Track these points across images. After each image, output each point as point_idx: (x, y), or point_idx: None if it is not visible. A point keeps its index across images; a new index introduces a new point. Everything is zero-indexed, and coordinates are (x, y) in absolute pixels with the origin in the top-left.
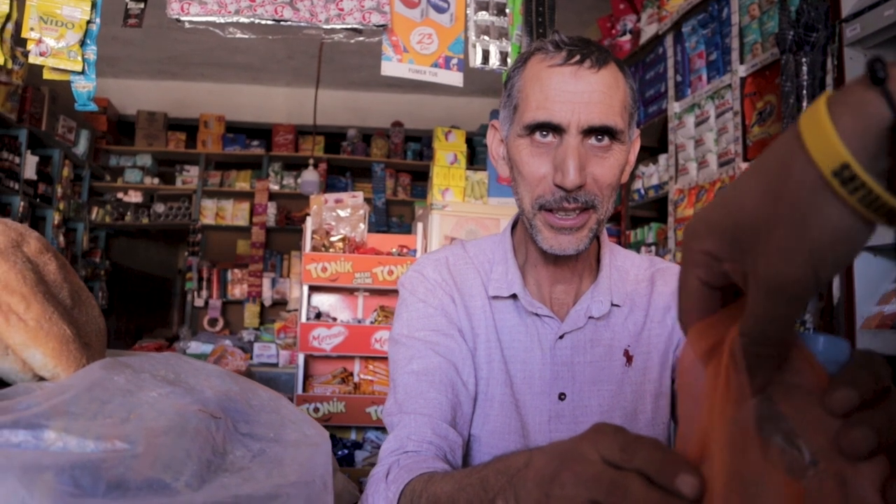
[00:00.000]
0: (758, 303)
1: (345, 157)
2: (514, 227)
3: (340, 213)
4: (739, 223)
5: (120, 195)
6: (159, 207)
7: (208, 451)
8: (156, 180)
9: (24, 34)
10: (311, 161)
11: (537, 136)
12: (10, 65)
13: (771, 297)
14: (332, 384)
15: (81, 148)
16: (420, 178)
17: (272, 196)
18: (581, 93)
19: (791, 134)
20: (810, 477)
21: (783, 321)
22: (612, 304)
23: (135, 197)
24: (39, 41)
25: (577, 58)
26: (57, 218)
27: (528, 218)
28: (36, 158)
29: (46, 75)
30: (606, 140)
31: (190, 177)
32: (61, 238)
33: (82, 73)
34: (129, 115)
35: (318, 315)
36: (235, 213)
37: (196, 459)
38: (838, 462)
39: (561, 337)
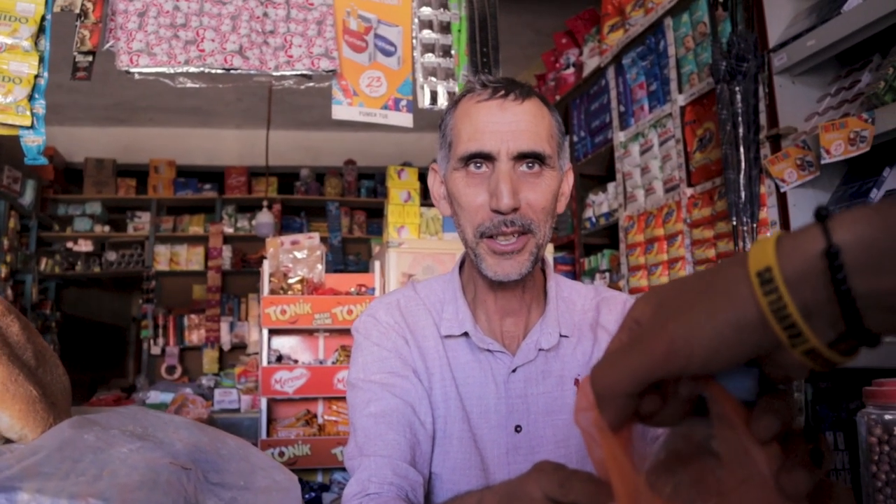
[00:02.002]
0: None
1: (299, 198)
2: (461, 266)
3: (297, 255)
4: (675, 294)
5: (70, 244)
6: (111, 255)
7: (181, 503)
8: (106, 228)
9: None
10: (265, 203)
11: (471, 167)
12: None
13: (653, 355)
14: (296, 427)
15: (28, 198)
16: (375, 216)
17: (227, 239)
18: (508, 122)
19: (744, 253)
20: None
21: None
22: (561, 335)
23: (85, 246)
24: None
25: (502, 92)
26: (4, 271)
27: (471, 248)
28: None
29: None
30: (537, 166)
31: (142, 223)
32: (9, 291)
33: (31, 127)
34: (76, 162)
35: (280, 358)
36: (190, 258)
37: None
38: (768, 488)
39: (514, 371)
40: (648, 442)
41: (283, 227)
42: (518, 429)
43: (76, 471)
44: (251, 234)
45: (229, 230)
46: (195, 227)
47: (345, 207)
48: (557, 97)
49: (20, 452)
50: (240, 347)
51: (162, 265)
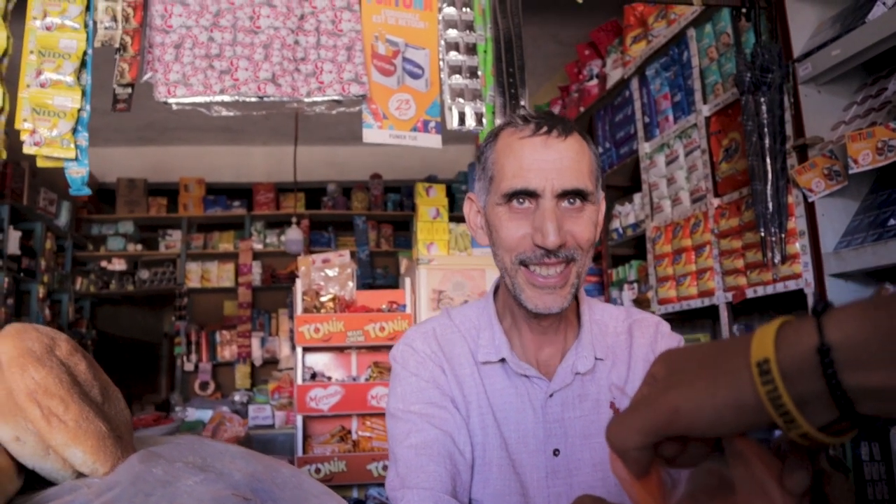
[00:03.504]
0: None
1: (326, 213)
2: (495, 292)
3: (329, 273)
4: (685, 363)
5: (104, 263)
6: (144, 273)
7: None
8: (139, 246)
9: (17, 126)
10: (294, 219)
11: (514, 203)
12: (4, 155)
13: (657, 419)
14: (330, 443)
15: (63, 219)
16: (402, 228)
17: (256, 255)
18: (552, 160)
19: (749, 336)
20: None
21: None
22: (596, 358)
23: (118, 264)
24: (33, 132)
25: (545, 129)
26: (42, 291)
27: (510, 277)
28: (18, 233)
29: (40, 163)
30: (578, 202)
31: (173, 241)
32: (47, 311)
33: (75, 159)
34: (109, 182)
35: (314, 375)
36: (220, 275)
37: None
38: None
39: (551, 395)
40: (678, 476)
41: (312, 242)
42: (556, 452)
43: None
44: (280, 250)
45: (258, 246)
46: (225, 243)
47: (371, 221)
48: (581, 108)
49: (97, 487)
50: (271, 362)
51: (193, 282)
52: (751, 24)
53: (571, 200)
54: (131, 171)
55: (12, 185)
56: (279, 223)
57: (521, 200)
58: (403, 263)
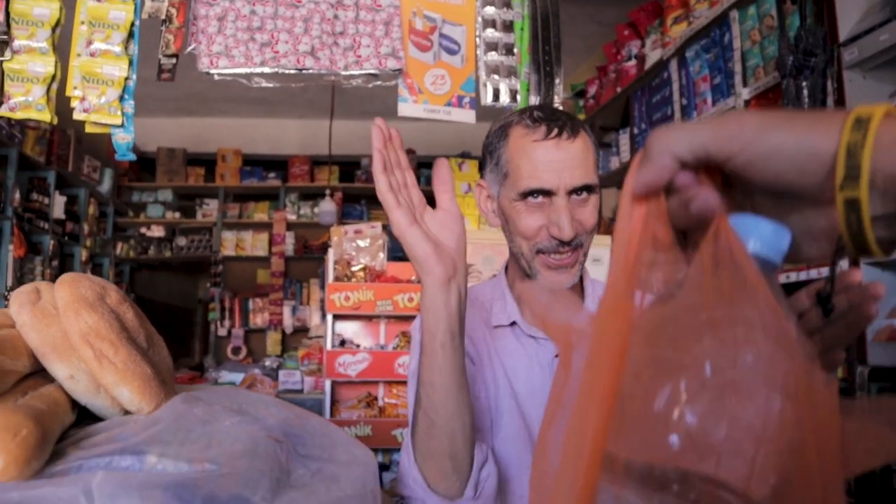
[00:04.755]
0: None
1: (359, 186)
2: (506, 270)
3: (360, 244)
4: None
5: (143, 230)
6: (181, 241)
7: (276, 470)
8: (177, 214)
9: (67, 93)
10: (328, 191)
11: (530, 199)
12: (55, 121)
13: (718, 129)
14: (357, 409)
15: (106, 186)
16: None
17: (289, 226)
18: (563, 160)
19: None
20: None
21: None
22: None
23: (157, 231)
24: (83, 99)
25: (556, 131)
26: (84, 255)
27: (526, 261)
28: (64, 198)
29: (88, 129)
30: (585, 194)
31: (210, 210)
32: (89, 274)
33: (122, 126)
34: (149, 151)
35: (343, 342)
36: (255, 244)
37: (268, 478)
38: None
39: (556, 356)
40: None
41: (344, 215)
42: None
43: (190, 440)
44: (313, 222)
45: (292, 217)
46: (260, 213)
47: None
48: (618, 89)
49: (143, 423)
50: (301, 330)
51: (228, 250)
52: (796, 6)
53: (579, 193)
54: (171, 141)
55: (58, 152)
56: (312, 195)
57: (535, 196)
58: None
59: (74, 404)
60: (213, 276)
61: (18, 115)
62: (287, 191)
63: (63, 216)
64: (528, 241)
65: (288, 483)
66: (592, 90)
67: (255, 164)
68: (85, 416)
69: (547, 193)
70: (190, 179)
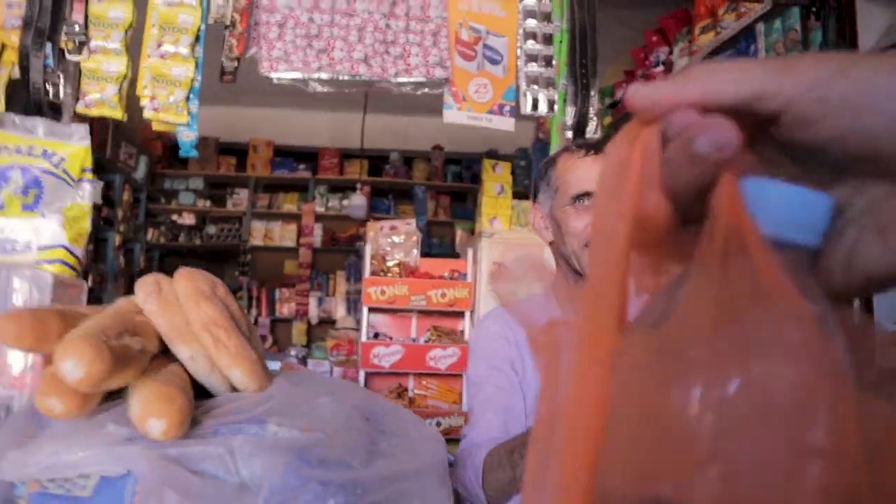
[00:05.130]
0: None
1: (387, 180)
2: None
3: (395, 240)
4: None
5: (174, 217)
6: (211, 229)
7: (367, 441)
8: (207, 203)
9: (137, 92)
10: (359, 185)
11: (577, 203)
12: (125, 118)
13: (768, 72)
14: (389, 399)
15: (140, 172)
16: (459, 199)
17: (318, 218)
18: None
19: None
20: None
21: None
22: None
23: (188, 219)
24: (153, 98)
25: (592, 151)
26: (118, 240)
27: (576, 257)
28: (101, 183)
29: (156, 127)
30: None
31: (240, 199)
32: (121, 258)
33: (187, 124)
34: None
35: (377, 335)
36: (283, 235)
37: (362, 447)
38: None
39: None
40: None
41: (372, 209)
42: None
43: (300, 413)
44: (341, 214)
45: (321, 209)
46: (289, 204)
47: (431, 191)
48: None
49: (258, 398)
50: (326, 322)
51: (257, 240)
52: (820, 22)
53: None
54: (204, 130)
55: (97, 138)
56: (342, 188)
57: (582, 200)
58: (458, 234)
59: (192, 381)
60: (242, 265)
61: (93, 111)
62: (316, 183)
63: (100, 201)
64: (578, 238)
65: (376, 452)
66: (620, 94)
67: (285, 155)
68: (199, 394)
69: (590, 195)
70: (221, 168)
